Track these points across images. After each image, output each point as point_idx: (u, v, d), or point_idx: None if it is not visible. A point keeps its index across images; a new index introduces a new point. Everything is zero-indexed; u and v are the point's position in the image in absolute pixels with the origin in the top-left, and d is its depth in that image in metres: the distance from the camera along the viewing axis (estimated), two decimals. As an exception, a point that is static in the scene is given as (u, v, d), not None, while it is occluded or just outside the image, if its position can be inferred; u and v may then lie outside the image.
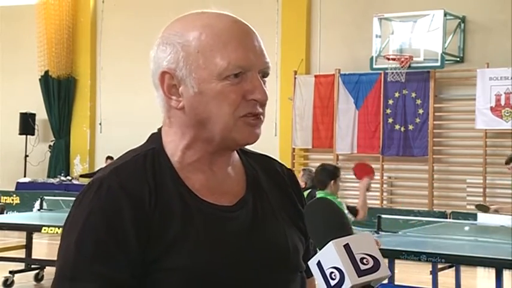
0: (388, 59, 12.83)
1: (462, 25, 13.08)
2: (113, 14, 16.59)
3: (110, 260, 1.37)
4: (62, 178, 16.01)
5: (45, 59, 16.76)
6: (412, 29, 12.77)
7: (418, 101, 13.10)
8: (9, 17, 17.37)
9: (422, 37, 12.60)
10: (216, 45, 1.44)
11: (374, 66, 13.08)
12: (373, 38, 12.97)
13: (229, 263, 1.43)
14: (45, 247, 11.08)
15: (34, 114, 16.66)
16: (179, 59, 1.46)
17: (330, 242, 1.29)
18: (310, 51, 14.55)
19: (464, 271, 8.09)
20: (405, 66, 12.72)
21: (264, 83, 1.48)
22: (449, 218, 11.74)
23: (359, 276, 1.26)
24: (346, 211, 5.90)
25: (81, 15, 16.94)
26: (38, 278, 8.88)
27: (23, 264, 8.95)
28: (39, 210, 11.95)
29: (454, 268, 7.53)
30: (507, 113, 12.30)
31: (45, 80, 16.78)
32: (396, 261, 6.76)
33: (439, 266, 7.13)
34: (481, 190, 12.64)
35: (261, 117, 1.48)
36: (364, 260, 1.28)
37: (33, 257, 9.00)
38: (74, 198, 1.50)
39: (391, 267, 6.59)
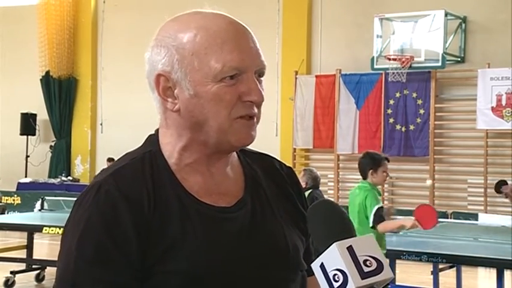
0: (389, 59, 12.83)
1: (463, 25, 13.07)
2: (114, 14, 16.59)
3: (110, 264, 1.37)
4: (63, 178, 16.02)
5: (46, 59, 16.76)
6: (413, 29, 12.76)
7: (419, 101, 13.10)
8: (10, 18, 17.38)
9: (423, 37, 12.59)
10: (211, 48, 1.43)
11: (375, 66, 13.08)
12: (374, 38, 12.97)
13: (229, 263, 1.43)
14: (46, 247, 11.07)
15: (35, 115, 16.67)
16: (174, 62, 1.45)
17: (333, 244, 1.28)
18: (311, 52, 14.55)
19: (466, 271, 8.08)
20: (406, 66, 12.72)
21: (260, 83, 1.47)
22: (450, 218, 11.74)
23: (362, 279, 1.26)
24: (376, 206, 5.63)
25: (82, 16, 16.94)
26: (39, 279, 8.89)
27: (24, 264, 8.95)
28: (40, 210, 11.99)
29: (455, 268, 7.53)
30: (508, 113, 12.29)
31: (46, 81, 16.78)
32: (397, 261, 6.76)
33: (440, 266, 7.12)
34: (482, 190, 12.63)
35: (256, 118, 1.48)
36: (368, 262, 1.27)
37: (34, 257, 9.01)
38: (74, 199, 1.50)
39: (392, 268, 6.59)
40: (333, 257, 1.27)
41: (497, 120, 12.36)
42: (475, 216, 11.16)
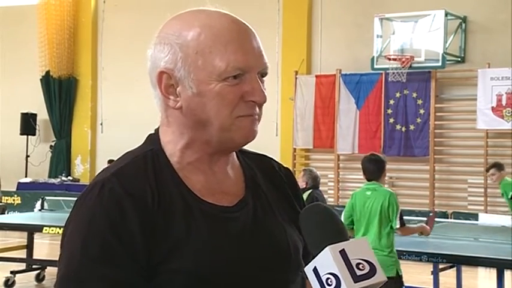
0: (389, 59, 12.83)
1: (463, 25, 13.08)
2: (114, 14, 16.60)
3: (115, 262, 1.36)
4: (63, 178, 16.03)
5: (46, 59, 16.77)
6: (413, 29, 12.77)
7: (419, 101, 13.10)
8: (10, 17, 17.39)
9: (423, 37, 12.60)
10: (215, 47, 1.43)
11: (375, 66, 13.08)
12: (374, 38, 12.97)
13: (232, 263, 1.42)
14: (46, 247, 11.08)
15: (35, 115, 16.67)
16: (177, 59, 1.44)
17: (326, 248, 1.28)
18: (311, 51, 14.55)
19: (466, 271, 8.09)
20: (406, 66, 12.72)
21: (263, 83, 1.47)
22: (451, 218, 11.74)
23: (355, 282, 1.26)
24: (400, 209, 5.84)
25: (82, 16, 16.94)
26: (39, 278, 8.89)
27: (24, 264, 8.96)
28: (40, 210, 11.99)
29: (455, 268, 7.53)
30: (508, 113, 12.29)
31: (46, 80, 16.78)
32: (397, 261, 6.75)
33: (440, 266, 7.12)
34: (482, 190, 12.63)
35: (258, 117, 1.47)
36: (360, 266, 1.27)
37: (34, 257, 9.02)
38: (75, 199, 1.49)
39: (392, 268, 6.58)
40: (326, 261, 1.27)
41: (497, 120, 12.37)
42: (475, 216, 11.16)
